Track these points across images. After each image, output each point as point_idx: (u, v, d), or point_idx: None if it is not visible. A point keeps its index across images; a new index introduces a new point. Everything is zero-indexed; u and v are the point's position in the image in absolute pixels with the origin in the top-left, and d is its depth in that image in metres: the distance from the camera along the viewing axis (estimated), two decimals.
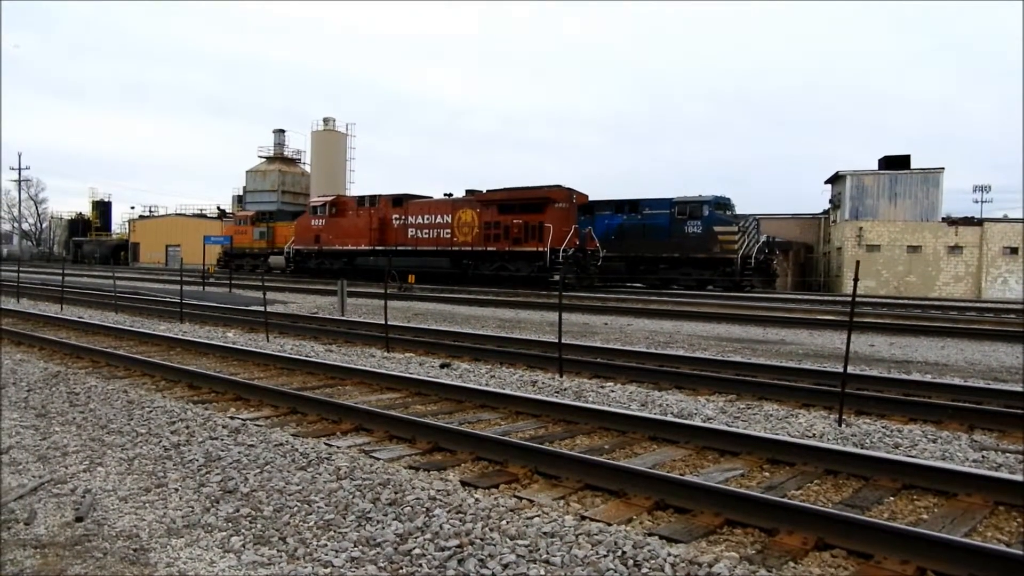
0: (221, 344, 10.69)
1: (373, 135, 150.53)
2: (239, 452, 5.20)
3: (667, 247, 31.55)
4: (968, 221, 41.03)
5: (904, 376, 8.58)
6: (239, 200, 75.30)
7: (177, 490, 4.50)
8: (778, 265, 33.09)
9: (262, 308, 13.86)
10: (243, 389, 7.34)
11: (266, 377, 8.48)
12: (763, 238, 31.78)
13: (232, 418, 6.31)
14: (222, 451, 5.24)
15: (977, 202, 57.08)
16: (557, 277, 27.00)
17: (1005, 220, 41.76)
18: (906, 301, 25.19)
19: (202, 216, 71.51)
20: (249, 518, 4.03)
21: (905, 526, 3.71)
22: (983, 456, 5.37)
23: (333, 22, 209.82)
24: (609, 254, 32.10)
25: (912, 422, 6.46)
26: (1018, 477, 4.59)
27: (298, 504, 4.21)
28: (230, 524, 3.95)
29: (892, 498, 4.48)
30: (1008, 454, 5.42)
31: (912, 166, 43.28)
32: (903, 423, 6.41)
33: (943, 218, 41.58)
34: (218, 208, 75.21)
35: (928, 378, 8.53)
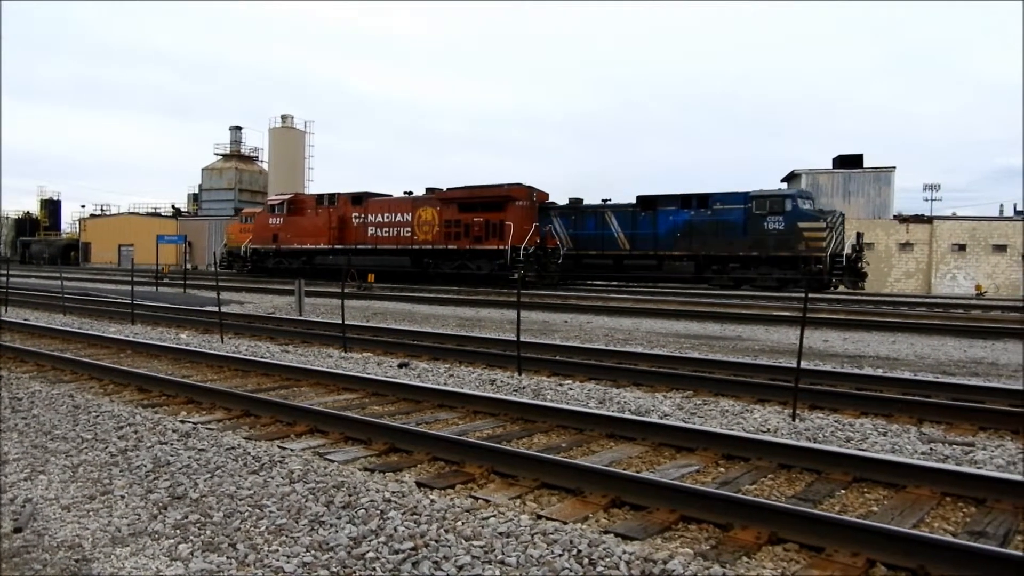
0: (173, 346, 10.46)
1: (336, 135, 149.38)
2: (189, 457, 5.08)
3: (743, 245, 28.70)
4: (919, 219, 42.05)
5: (856, 371, 8.74)
6: (195, 199, 74.01)
7: (123, 497, 4.37)
8: (866, 264, 30.11)
9: (217, 308, 13.59)
10: (195, 392, 7.17)
11: (219, 379, 8.31)
12: (853, 235, 29.47)
13: (183, 422, 6.16)
14: (171, 456, 5.10)
15: (927, 200, 58.60)
16: (520, 275, 26.99)
17: (954, 218, 42.89)
18: (859, 297, 25.70)
19: (156, 215, 70.02)
20: (198, 524, 3.93)
21: (855, 519, 3.77)
22: (931, 448, 5.49)
23: (296, 21, 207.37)
24: (676, 253, 30.09)
25: (864, 416, 6.57)
26: (964, 468, 4.69)
27: (249, 509, 4.11)
28: (178, 531, 3.85)
29: (844, 491, 4.54)
30: (955, 446, 5.54)
31: (864, 165, 44.26)
32: (855, 417, 6.52)
33: (895, 216, 42.57)
34: (173, 207, 73.77)
35: (879, 372, 8.72)
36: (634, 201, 31.59)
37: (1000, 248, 39.91)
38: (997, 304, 23.07)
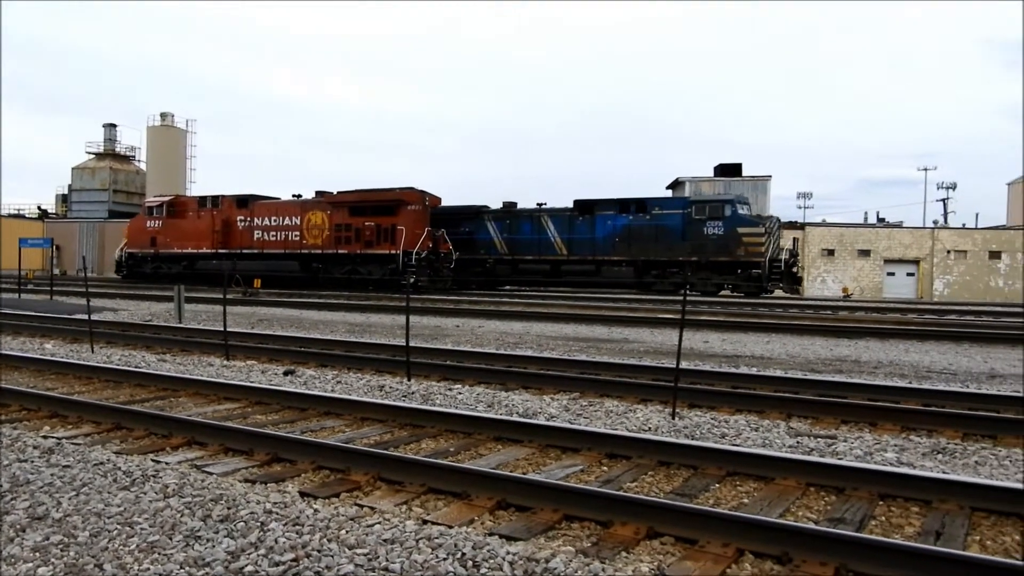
0: (37, 357, 9.79)
1: (227, 136, 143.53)
2: (52, 474, 4.76)
3: (682, 250, 28.80)
4: (792, 225, 44.55)
5: (733, 370, 9.17)
6: (64, 200, 69.47)
7: None
8: (801, 269, 30.37)
9: (87, 316, 12.81)
10: (60, 405, 6.73)
11: (88, 391, 7.84)
12: (789, 241, 29.63)
13: (45, 437, 5.77)
14: (31, 474, 4.77)
15: (800, 208, 62.36)
16: (411, 280, 26.78)
17: (823, 224, 45.82)
18: (738, 299, 26.95)
19: (20, 216, 65.27)
20: (61, 546, 3.69)
21: (726, 511, 3.96)
22: (798, 442, 5.82)
23: (183, 18, 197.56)
24: (615, 258, 29.82)
25: (738, 413, 6.90)
26: (826, 460, 5.01)
27: (118, 527, 3.90)
28: (37, 554, 3.60)
29: (718, 485, 4.76)
30: (819, 439, 5.90)
31: (744, 174, 46.56)
32: (731, 414, 6.83)
33: None
34: (39, 208, 69.01)
35: (754, 371, 9.17)
36: (571, 205, 31.35)
37: (864, 253, 42.87)
38: (861, 306, 24.74)
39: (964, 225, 51.20)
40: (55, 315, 16.30)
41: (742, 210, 29.04)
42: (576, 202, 31.27)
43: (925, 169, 64.61)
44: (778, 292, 29.35)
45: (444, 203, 32.47)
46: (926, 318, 18.98)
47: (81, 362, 9.33)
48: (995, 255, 42.11)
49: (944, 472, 5.02)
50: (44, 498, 4.35)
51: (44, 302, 21.93)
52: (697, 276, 28.81)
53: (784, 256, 28.74)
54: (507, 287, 33.78)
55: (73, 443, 5.63)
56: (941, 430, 6.25)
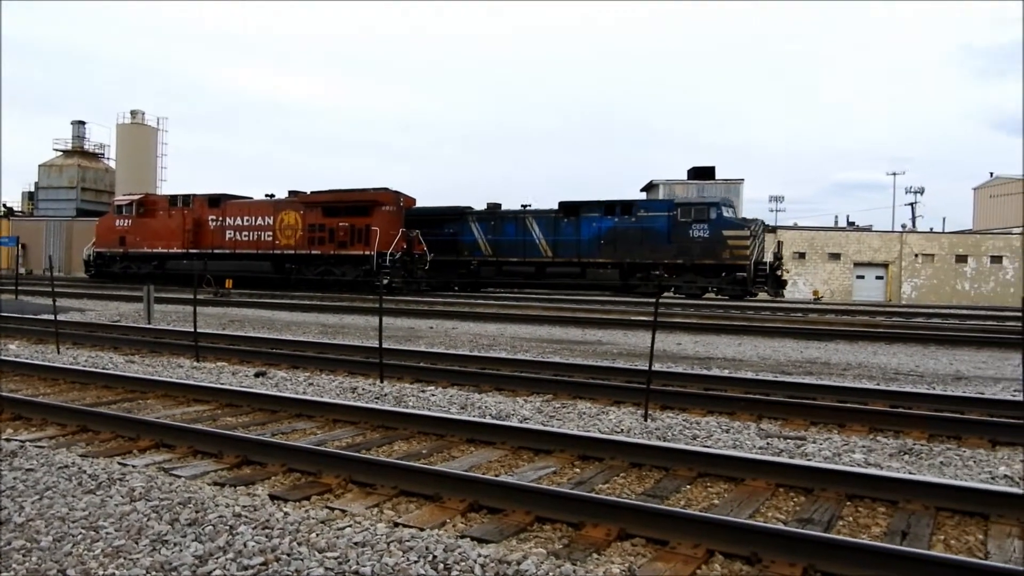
0: (0, 358, 9.59)
1: (200, 135, 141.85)
2: (14, 478, 4.67)
3: (668, 253, 28.74)
4: (765, 228, 45.01)
5: (705, 372, 9.23)
6: (30, 198, 68.22)
7: None
8: (785, 272, 30.50)
9: (53, 316, 12.58)
10: (24, 407, 6.61)
11: (53, 393, 7.70)
12: (775, 243, 29.86)
13: (8, 440, 5.65)
14: None
15: (772, 211, 63.07)
16: (385, 281, 26.69)
17: (795, 228, 46.35)
18: (710, 302, 27.14)
19: None
20: (23, 551, 3.62)
21: (697, 512, 3.98)
22: (768, 443, 5.88)
23: (162, 16, 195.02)
24: (600, 260, 29.67)
25: (710, 414, 6.95)
26: (796, 461, 5.07)
27: (83, 532, 3.84)
28: None
29: (689, 486, 4.79)
30: (789, 440, 5.97)
31: (717, 176, 47.00)
32: (702, 415, 6.88)
33: None
34: (5, 206, 67.68)
35: (726, 373, 9.25)
36: (556, 207, 31.17)
37: (835, 256, 43.44)
38: (831, 308, 25.06)
39: (932, 229, 52.18)
40: (20, 315, 15.99)
41: (727, 213, 29.11)
42: (561, 204, 31.09)
43: (894, 174, 65.62)
44: (762, 295, 29.54)
45: (428, 204, 32.44)
46: (894, 321, 19.29)
47: (46, 363, 9.16)
48: (962, 259, 42.89)
49: (910, 473, 5.09)
50: (6, 502, 4.26)
51: (9, 302, 21.50)
52: (682, 279, 28.72)
53: (769, 259, 28.83)
54: (490, 289, 33.68)
55: (37, 446, 5.53)
56: (908, 431, 6.34)
